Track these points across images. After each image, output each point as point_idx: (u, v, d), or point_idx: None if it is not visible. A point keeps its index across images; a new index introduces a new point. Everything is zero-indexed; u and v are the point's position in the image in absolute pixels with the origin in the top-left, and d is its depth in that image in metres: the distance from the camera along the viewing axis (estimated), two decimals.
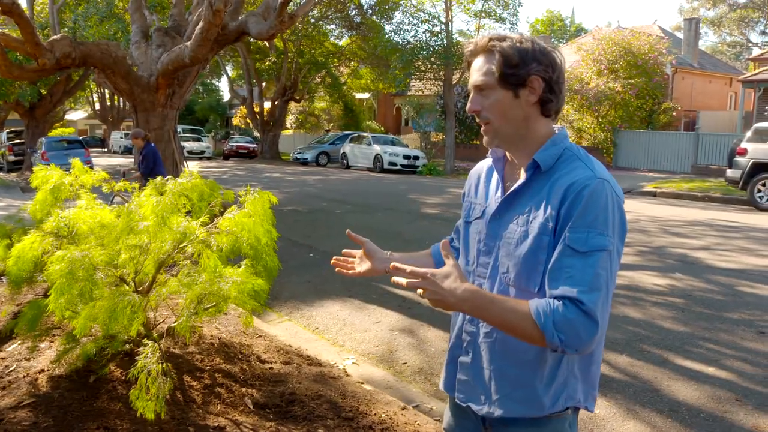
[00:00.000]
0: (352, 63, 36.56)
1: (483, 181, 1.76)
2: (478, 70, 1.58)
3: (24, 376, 3.93)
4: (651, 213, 12.77)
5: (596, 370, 1.63)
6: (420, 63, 26.08)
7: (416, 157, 25.22)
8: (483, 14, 25.63)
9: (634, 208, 13.46)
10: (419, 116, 31.94)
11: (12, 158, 27.06)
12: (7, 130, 30.17)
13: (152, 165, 8.77)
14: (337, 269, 1.95)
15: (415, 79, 28.16)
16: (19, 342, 4.36)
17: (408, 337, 5.30)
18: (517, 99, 1.55)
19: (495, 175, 1.71)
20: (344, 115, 39.33)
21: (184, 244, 3.44)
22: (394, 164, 24.76)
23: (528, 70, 1.52)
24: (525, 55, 1.52)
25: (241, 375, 3.96)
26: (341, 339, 5.33)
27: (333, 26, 34.38)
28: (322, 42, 34.41)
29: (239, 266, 3.52)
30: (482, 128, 1.63)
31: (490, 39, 1.56)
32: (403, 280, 1.46)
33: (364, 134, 29.17)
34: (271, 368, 4.19)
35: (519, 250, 1.54)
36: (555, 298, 1.41)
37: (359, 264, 1.92)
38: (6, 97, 25.05)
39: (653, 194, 17.00)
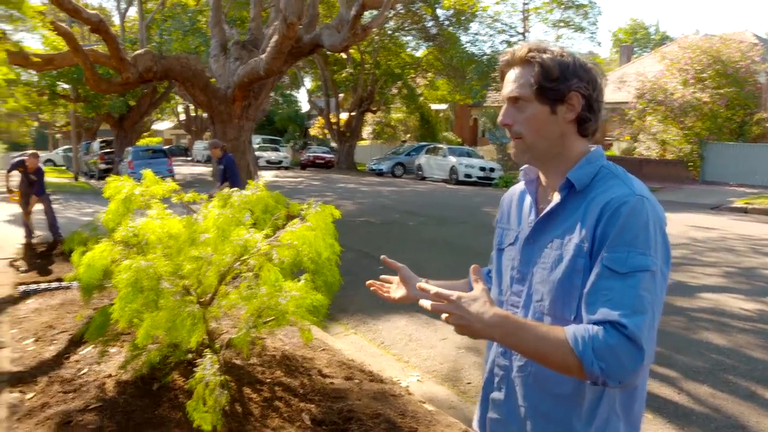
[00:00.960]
0: (429, 74, 36.58)
1: (515, 206, 1.65)
2: (514, 81, 1.49)
3: (93, 380, 4.04)
4: (740, 231, 12.04)
5: (639, 408, 1.48)
6: (497, 74, 25.76)
7: (492, 169, 24.85)
8: (561, 24, 25.13)
9: (722, 225, 12.75)
10: (496, 128, 31.55)
11: (102, 166, 28.41)
12: (99, 140, 31.80)
13: (231, 174, 8.94)
14: (372, 289, 1.89)
15: (492, 90, 27.87)
16: (92, 346, 4.50)
17: (474, 356, 5.14)
18: (553, 115, 1.46)
19: (527, 199, 1.60)
20: (420, 126, 39.33)
21: (245, 257, 3.44)
22: (470, 176, 24.48)
23: (568, 86, 1.43)
24: (566, 69, 1.43)
25: (300, 389, 3.93)
26: (406, 355, 5.23)
27: (409, 37, 34.53)
28: (399, 53, 34.59)
29: (299, 280, 3.49)
30: (512, 142, 1.53)
31: (530, 49, 1.47)
32: (428, 303, 1.36)
33: (440, 145, 29.04)
34: (331, 383, 4.14)
35: (553, 275, 1.42)
36: (594, 323, 1.28)
37: (395, 290, 1.85)
38: (98, 110, 26.50)
39: (744, 210, 16.05)
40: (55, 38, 9.84)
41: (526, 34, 25.15)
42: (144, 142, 42.45)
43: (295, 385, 3.97)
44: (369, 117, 38.60)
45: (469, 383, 4.61)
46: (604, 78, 1.49)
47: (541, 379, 1.46)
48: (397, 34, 33.23)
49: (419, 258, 8.85)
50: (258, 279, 3.52)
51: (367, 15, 15.55)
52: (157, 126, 58.52)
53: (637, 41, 58.49)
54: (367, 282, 1.91)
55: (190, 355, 3.87)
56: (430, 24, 31.93)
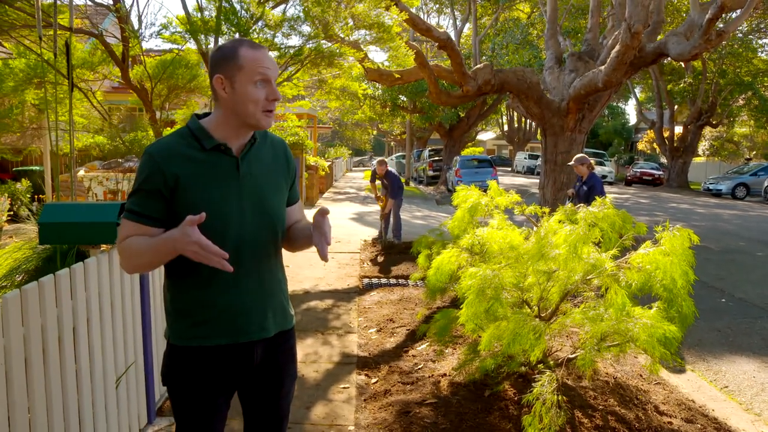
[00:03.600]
0: None
1: None
2: None
3: (429, 376, 4.30)
4: None
5: None
6: None
7: None
8: None
9: None
10: None
11: (431, 173, 30.66)
12: (429, 148, 34.34)
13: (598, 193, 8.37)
14: None
15: None
16: (428, 344, 4.80)
17: None
18: None
19: None
20: None
21: (590, 276, 3.31)
22: None
23: None
24: None
25: (635, 423, 3.65)
26: (757, 406, 4.53)
27: (765, 40, 30.33)
28: (751, 59, 30.59)
29: (649, 308, 3.23)
30: None
31: None
32: None
33: None
34: (670, 423, 3.77)
35: None
36: None
37: None
38: (431, 120, 28.63)
39: None
40: (403, 55, 10.79)
41: None
42: (468, 151, 44.53)
43: (629, 418, 3.70)
44: (707, 131, 34.96)
45: None
46: None
47: None
48: (749, 37, 29.43)
49: None
50: (601, 300, 3.36)
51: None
52: (481, 136, 60.93)
53: None
54: None
55: (523, 368, 3.88)
56: None
